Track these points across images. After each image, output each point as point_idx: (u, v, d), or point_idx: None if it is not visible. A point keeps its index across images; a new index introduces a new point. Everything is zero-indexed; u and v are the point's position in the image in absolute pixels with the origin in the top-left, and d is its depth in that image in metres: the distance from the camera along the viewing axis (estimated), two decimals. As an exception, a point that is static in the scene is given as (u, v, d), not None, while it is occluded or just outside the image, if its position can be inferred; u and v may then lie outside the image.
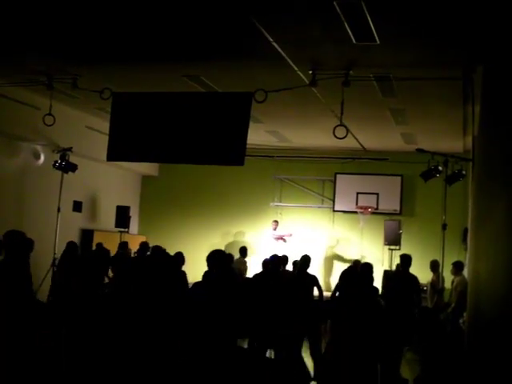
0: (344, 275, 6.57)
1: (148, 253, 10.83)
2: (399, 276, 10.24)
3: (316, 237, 16.30)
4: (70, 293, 6.98)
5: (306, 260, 9.71)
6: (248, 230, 16.67)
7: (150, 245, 12.33)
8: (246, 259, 13.71)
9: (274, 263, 9.62)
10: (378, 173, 15.93)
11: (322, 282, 10.63)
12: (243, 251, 13.69)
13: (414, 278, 9.57)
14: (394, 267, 13.58)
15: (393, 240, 14.91)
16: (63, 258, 11.22)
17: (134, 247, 12.51)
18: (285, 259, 10.44)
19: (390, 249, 14.92)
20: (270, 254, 10.09)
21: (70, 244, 11.34)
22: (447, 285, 11.52)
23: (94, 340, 6.38)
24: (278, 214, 16.54)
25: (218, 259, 5.70)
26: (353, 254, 15.45)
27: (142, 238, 15.04)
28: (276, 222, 16.13)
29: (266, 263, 9.84)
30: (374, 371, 5.39)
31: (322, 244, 16.31)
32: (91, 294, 6.35)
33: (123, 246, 12.75)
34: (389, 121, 12.47)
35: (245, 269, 13.46)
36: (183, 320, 6.12)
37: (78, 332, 6.22)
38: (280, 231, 16.00)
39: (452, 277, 11.39)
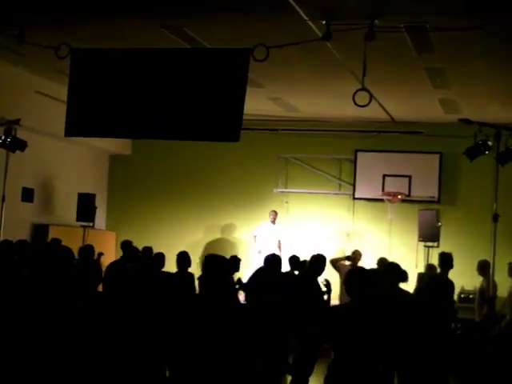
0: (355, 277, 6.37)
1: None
2: (435, 280, 10.28)
3: (332, 231, 16.38)
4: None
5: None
6: (244, 223, 16.73)
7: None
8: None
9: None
10: (410, 150, 15.98)
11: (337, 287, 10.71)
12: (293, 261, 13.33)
13: (451, 285, 9.59)
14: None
15: (429, 235, 15.01)
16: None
17: (100, 245, 12.39)
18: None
19: (426, 246, 15.01)
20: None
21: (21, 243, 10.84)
22: (501, 292, 11.53)
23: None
24: (283, 202, 16.57)
25: (213, 268, 5.80)
26: (378, 253, 15.47)
27: (111, 234, 15.04)
28: (275, 212, 16.07)
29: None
30: None
31: (339, 240, 16.37)
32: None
33: (86, 250, 11.13)
34: (424, 84, 12.48)
35: None
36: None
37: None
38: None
39: (510, 281, 11.41)
